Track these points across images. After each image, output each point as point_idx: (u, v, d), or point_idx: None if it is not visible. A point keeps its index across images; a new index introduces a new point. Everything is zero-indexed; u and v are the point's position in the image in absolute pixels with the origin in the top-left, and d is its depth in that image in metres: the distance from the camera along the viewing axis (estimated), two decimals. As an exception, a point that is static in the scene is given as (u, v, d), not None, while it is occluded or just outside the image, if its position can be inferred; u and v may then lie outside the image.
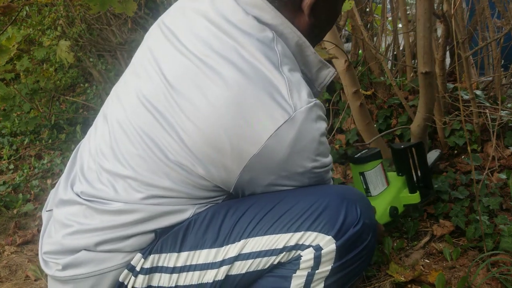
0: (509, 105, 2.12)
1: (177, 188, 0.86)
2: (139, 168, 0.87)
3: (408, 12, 2.29)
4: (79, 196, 0.91)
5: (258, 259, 0.85)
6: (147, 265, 0.88)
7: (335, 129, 2.11)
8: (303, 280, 0.85)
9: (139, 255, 0.88)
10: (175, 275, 0.87)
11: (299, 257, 0.85)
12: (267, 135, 0.80)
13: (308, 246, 0.84)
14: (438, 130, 1.86)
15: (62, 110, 3.68)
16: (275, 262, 0.85)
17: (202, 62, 0.83)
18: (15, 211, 2.19)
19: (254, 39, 0.84)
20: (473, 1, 2.14)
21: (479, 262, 1.30)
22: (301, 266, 0.85)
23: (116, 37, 2.95)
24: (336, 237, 0.84)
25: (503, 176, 1.66)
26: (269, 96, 0.80)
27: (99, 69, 3.37)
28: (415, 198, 1.29)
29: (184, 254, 0.87)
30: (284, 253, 0.84)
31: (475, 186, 1.37)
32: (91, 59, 3.29)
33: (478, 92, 1.97)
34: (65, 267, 0.88)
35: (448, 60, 2.15)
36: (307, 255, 0.84)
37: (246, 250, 0.85)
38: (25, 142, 3.32)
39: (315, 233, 0.83)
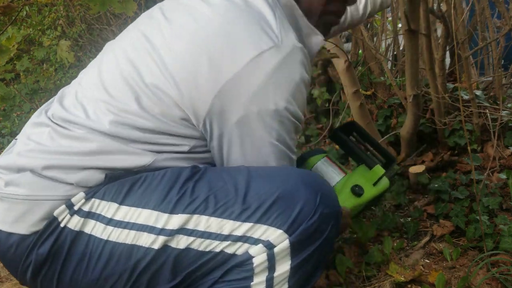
0: (509, 105, 2.12)
1: (144, 115, 0.84)
2: (112, 90, 0.86)
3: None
4: (50, 118, 0.89)
5: (201, 240, 0.80)
6: (86, 208, 0.82)
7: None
8: (263, 286, 0.81)
9: (82, 194, 0.83)
10: (109, 228, 0.82)
11: (250, 258, 0.80)
12: (248, 59, 0.80)
13: (257, 241, 0.79)
14: (438, 131, 1.86)
15: (62, 110, 3.67)
16: (218, 250, 0.80)
17: None
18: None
19: None
20: (473, 1, 2.14)
21: (479, 262, 1.30)
22: (256, 270, 0.80)
23: (116, 37, 2.95)
24: (288, 231, 0.79)
25: (503, 176, 1.66)
26: (258, 25, 0.83)
27: (99, 69, 3.36)
28: (378, 170, 1.23)
29: (124, 208, 0.82)
30: (229, 242, 0.80)
31: (475, 186, 1.37)
32: (91, 59, 3.30)
33: (478, 92, 1.97)
34: (7, 183, 0.84)
35: (448, 60, 2.15)
36: (259, 258, 0.79)
37: (189, 226, 0.80)
38: (25, 142, 3.32)
39: (265, 226, 0.79)
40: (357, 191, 1.18)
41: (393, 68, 2.43)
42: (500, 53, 1.98)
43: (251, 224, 0.79)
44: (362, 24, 1.93)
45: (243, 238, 0.80)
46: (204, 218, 0.80)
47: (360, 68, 2.24)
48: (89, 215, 0.82)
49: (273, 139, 0.86)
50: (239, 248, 0.80)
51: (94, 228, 0.82)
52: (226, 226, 0.80)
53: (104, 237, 0.82)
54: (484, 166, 1.74)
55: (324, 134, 2.10)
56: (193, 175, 0.84)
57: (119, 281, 0.82)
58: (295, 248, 0.80)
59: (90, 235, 0.82)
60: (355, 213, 1.24)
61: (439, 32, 1.81)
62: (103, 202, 0.83)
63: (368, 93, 2.05)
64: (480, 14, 2.11)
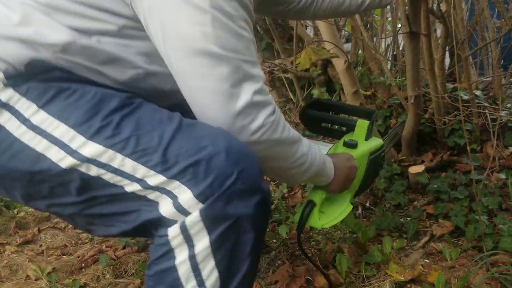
0: (508, 105, 2.12)
1: None
2: None
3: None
4: None
5: (112, 174, 0.78)
6: (4, 98, 0.79)
7: (335, 129, 2.11)
8: (188, 265, 0.80)
9: (1, 75, 0.79)
10: (23, 128, 0.79)
11: (161, 218, 0.78)
12: None
13: (169, 192, 0.78)
14: (438, 131, 1.86)
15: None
16: (128, 189, 0.79)
17: None
18: (15, 211, 2.19)
19: None
20: (473, 1, 2.14)
21: (478, 262, 1.31)
22: (173, 244, 0.79)
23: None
24: (199, 197, 0.77)
25: (502, 176, 1.66)
26: None
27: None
28: (362, 124, 1.18)
29: (43, 114, 0.79)
30: (141, 187, 0.78)
31: (474, 186, 1.38)
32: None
33: (478, 93, 1.97)
34: None
35: (448, 61, 2.15)
36: (173, 229, 0.78)
37: (103, 160, 0.78)
38: (25, 142, 3.32)
39: (177, 183, 0.77)
40: (349, 142, 1.15)
41: (393, 68, 2.43)
42: (499, 53, 1.99)
43: (165, 178, 0.77)
44: (361, 25, 1.94)
45: (155, 188, 0.78)
46: (119, 156, 0.78)
47: (359, 68, 2.25)
48: (6, 106, 0.80)
49: (206, 5, 0.78)
50: (150, 194, 0.79)
51: (9, 122, 0.80)
52: (140, 171, 0.78)
53: (16, 134, 0.80)
54: (484, 166, 1.74)
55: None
56: (123, 107, 0.81)
57: (20, 179, 0.82)
58: (208, 220, 0.78)
59: (2, 126, 0.80)
60: (364, 171, 1.20)
61: (439, 32, 1.81)
62: (23, 99, 0.80)
63: (368, 93, 2.05)
64: (480, 14, 2.11)
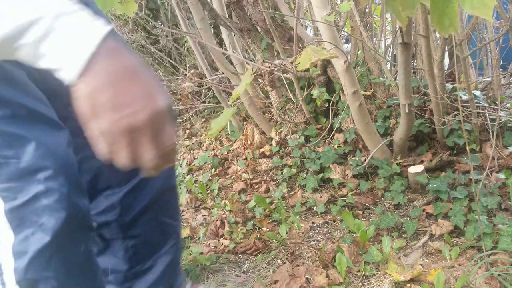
0: (507, 105, 2.13)
1: None
2: None
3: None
4: None
5: None
6: None
7: (335, 129, 2.12)
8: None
9: None
10: None
11: None
12: None
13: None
14: (437, 131, 1.87)
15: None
16: None
17: None
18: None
19: None
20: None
21: (477, 262, 1.31)
22: None
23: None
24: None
25: (501, 176, 1.67)
26: None
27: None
28: None
29: None
30: None
31: (474, 186, 1.38)
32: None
33: (477, 93, 1.98)
34: None
35: (447, 61, 2.16)
36: None
37: None
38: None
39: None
40: None
41: (392, 69, 2.44)
42: (498, 53, 1.99)
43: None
44: (361, 25, 1.94)
45: None
46: None
47: (359, 68, 2.25)
48: None
49: None
50: None
51: None
52: None
53: None
54: (483, 166, 1.75)
55: (323, 134, 2.11)
56: None
57: None
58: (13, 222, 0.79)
59: None
60: None
61: (438, 33, 1.82)
62: None
63: (368, 93, 2.06)
64: (479, 14, 2.11)
